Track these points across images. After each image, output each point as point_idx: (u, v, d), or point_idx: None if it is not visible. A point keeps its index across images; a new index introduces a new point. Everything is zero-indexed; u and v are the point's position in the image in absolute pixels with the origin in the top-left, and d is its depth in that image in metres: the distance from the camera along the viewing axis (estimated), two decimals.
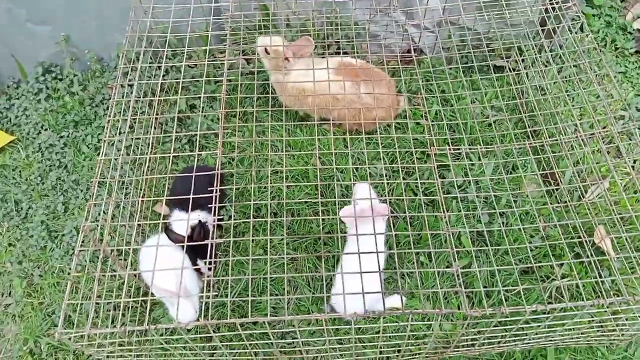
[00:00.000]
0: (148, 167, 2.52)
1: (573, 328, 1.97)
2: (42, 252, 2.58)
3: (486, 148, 2.07)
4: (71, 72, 3.17)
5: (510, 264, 2.21)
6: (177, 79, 2.85)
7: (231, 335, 2.11)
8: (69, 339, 1.64)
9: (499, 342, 2.04)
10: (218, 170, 1.95)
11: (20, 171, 2.85)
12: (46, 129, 2.98)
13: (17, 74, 3.25)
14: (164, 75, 2.75)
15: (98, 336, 1.71)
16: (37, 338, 2.34)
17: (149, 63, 2.56)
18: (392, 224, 2.27)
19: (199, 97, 2.87)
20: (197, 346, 1.82)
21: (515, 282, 2.19)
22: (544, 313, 1.63)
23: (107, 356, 1.89)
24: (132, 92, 2.22)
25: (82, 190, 2.73)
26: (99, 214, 1.96)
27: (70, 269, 2.51)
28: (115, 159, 2.05)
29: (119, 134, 2.13)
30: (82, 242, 1.80)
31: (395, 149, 2.17)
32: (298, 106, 2.61)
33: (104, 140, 2.00)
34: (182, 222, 2.29)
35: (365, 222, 1.98)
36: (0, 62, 3.19)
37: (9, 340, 2.39)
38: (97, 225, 1.89)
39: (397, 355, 2.14)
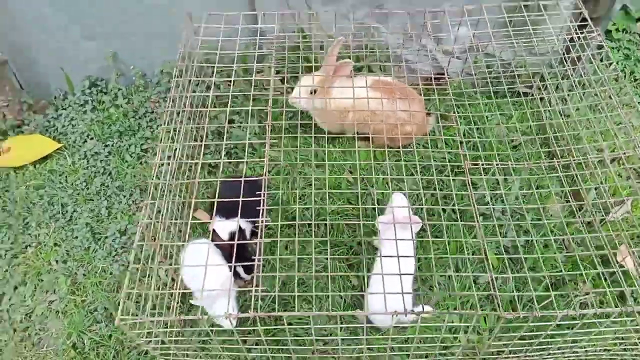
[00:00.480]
0: (194, 174, 2.67)
1: (596, 342, 2.06)
2: (85, 253, 2.71)
3: (516, 164, 2.19)
4: (116, 87, 3.35)
5: (536, 278, 2.32)
6: (219, 94, 3.00)
7: (269, 331, 2.22)
8: (126, 325, 1.75)
9: (525, 353, 2.12)
10: (265, 176, 2.08)
11: (66, 176, 3.01)
12: (92, 138, 3.15)
13: (64, 87, 3.45)
14: (207, 90, 2.93)
15: (153, 324, 1.82)
16: (81, 333, 2.45)
17: (195, 78, 2.72)
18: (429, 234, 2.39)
19: (237, 113, 3.04)
20: (240, 339, 1.93)
21: (542, 296, 2.28)
22: (574, 319, 1.72)
23: (154, 348, 2.00)
24: (183, 104, 2.37)
25: (125, 196, 2.88)
26: (150, 215, 2.09)
27: (112, 269, 2.64)
28: (168, 164, 2.19)
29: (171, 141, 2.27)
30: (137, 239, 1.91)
31: (429, 162, 2.30)
32: (339, 122, 2.75)
33: (159, 146, 2.14)
34: (227, 226, 2.44)
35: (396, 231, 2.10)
36: (50, 75, 3.40)
37: (52, 335, 2.50)
38: (151, 223, 2.01)
39: None
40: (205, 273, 1.86)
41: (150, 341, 1.94)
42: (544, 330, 1.80)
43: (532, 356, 2.16)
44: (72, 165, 3.06)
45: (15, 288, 2.65)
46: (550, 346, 2.00)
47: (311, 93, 2.66)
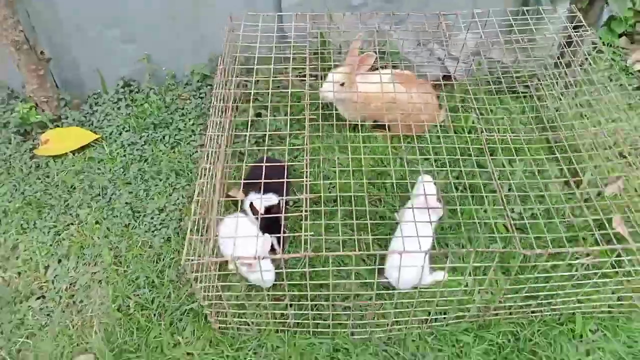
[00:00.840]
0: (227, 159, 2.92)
1: (594, 292, 2.33)
2: (125, 229, 2.92)
3: (526, 135, 2.50)
4: (148, 86, 3.63)
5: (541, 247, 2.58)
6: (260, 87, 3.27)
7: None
8: (190, 265, 1.97)
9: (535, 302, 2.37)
10: (307, 145, 2.35)
11: (104, 163, 3.25)
12: (127, 130, 3.40)
13: (97, 87, 3.69)
14: (238, 86, 3.23)
15: (212, 265, 2.04)
16: (126, 297, 2.64)
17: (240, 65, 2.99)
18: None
19: (265, 107, 3.32)
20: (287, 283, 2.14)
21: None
22: (582, 256, 1.98)
23: (204, 297, 2.21)
24: (228, 88, 2.65)
25: (161, 180, 3.11)
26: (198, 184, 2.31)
27: (153, 243, 2.85)
28: (218, 135, 2.44)
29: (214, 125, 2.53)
30: (198, 194, 2.15)
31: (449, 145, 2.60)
32: (362, 113, 3.05)
33: (211, 120, 2.41)
34: (265, 199, 2.68)
35: (419, 212, 2.35)
36: (85, 76, 3.65)
37: (96, 302, 2.68)
38: (204, 184, 2.23)
39: (445, 317, 2.46)
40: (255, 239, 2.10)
41: (200, 287, 2.15)
42: (555, 270, 2.05)
43: (541, 308, 2.42)
44: (110, 153, 3.30)
45: (60, 261, 2.83)
46: (557, 292, 2.25)
47: (341, 85, 2.97)
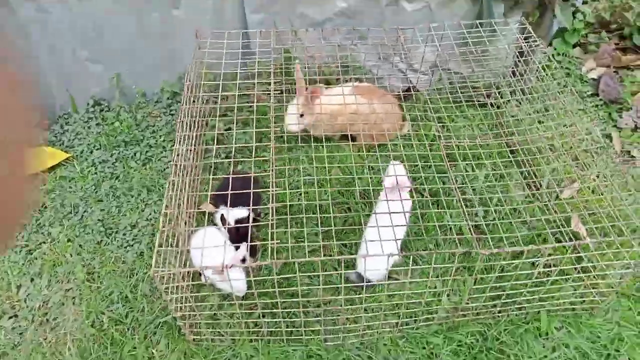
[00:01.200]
0: (199, 171, 2.98)
1: (556, 292, 2.43)
2: (98, 246, 2.94)
3: (482, 141, 2.62)
4: (118, 105, 3.67)
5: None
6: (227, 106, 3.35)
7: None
8: (158, 276, 2.01)
9: (500, 303, 2.47)
10: (273, 155, 2.42)
11: (76, 182, 3.26)
12: (98, 149, 3.43)
13: (67, 108, 3.73)
14: (207, 102, 3.30)
15: (180, 275, 2.08)
16: (99, 313, 2.65)
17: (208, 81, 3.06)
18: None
19: (234, 122, 3.39)
20: (258, 293, 2.20)
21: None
22: (537, 255, 2.09)
23: (176, 308, 2.25)
24: (194, 102, 2.71)
25: (133, 196, 3.14)
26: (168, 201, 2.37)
27: (126, 258, 2.87)
28: (186, 151, 2.50)
29: (183, 140, 2.59)
30: (166, 205, 2.20)
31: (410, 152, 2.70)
32: (329, 128, 3.14)
33: (178, 135, 2.47)
34: (232, 213, 2.73)
35: (392, 196, 2.43)
36: (55, 96, 3.68)
37: (70, 319, 2.68)
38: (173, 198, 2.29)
39: (415, 321, 2.54)
40: (224, 251, 2.16)
41: (172, 299, 2.19)
42: (515, 270, 2.15)
43: (506, 308, 2.51)
44: (81, 172, 3.32)
45: (32, 280, 2.84)
46: (520, 291, 2.35)
47: (301, 116, 3.06)
